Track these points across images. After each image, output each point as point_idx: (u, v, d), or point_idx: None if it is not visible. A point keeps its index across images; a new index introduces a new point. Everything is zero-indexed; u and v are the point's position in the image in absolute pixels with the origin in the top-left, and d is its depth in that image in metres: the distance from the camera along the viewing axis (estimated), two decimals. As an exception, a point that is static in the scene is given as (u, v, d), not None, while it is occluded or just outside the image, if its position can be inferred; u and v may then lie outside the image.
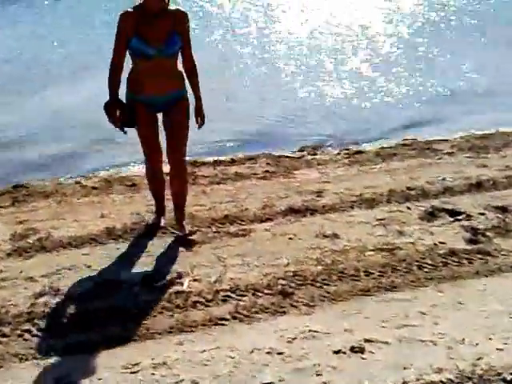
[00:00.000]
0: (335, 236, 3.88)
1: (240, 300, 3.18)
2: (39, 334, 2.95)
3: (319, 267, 3.49)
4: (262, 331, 2.91)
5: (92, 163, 5.95)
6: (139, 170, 5.43)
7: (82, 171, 5.69)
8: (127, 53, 3.55)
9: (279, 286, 3.29)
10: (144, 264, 3.62)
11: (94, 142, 6.34)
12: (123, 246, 3.86)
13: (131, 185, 5.08)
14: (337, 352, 2.71)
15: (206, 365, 2.67)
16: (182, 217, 3.95)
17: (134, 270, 3.54)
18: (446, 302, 3.22)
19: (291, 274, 3.42)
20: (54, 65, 9.19)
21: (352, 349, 2.74)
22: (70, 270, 3.58)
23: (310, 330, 2.86)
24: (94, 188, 5.08)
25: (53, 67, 9.07)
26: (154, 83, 3.54)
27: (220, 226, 4.12)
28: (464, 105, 7.27)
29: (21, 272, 3.56)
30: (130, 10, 3.50)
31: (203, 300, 3.19)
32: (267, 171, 5.27)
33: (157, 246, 3.83)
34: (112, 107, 3.58)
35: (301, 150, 5.98)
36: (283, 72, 8.82)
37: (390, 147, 5.89)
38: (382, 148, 5.87)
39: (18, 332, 2.97)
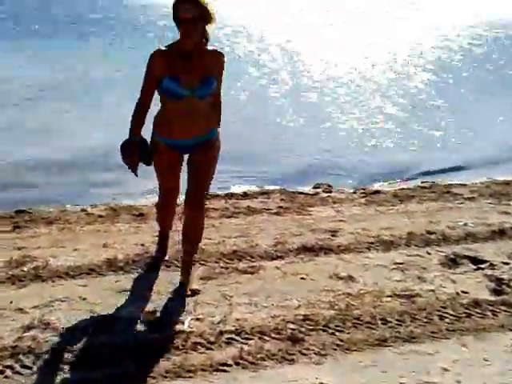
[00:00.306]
0: (350, 278, 3.57)
1: (245, 344, 2.86)
2: (22, 371, 2.64)
3: (332, 312, 3.17)
4: (267, 381, 2.58)
5: (100, 191, 5.77)
6: (148, 199, 5.22)
7: (89, 199, 5.49)
8: (156, 92, 3.23)
9: (288, 331, 2.96)
10: (143, 299, 3.32)
11: (104, 169, 6.17)
12: (123, 279, 3.57)
13: (138, 214, 4.83)
14: (351, 413, 2.37)
15: (203, 418, 2.34)
16: (188, 271, 3.45)
17: (131, 306, 3.23)
18: (469, 358, 2.90)
19: (301, 317, 3.10)
20: (64, 84, 9.20)
21: (368, 410, 2.40)
22: (63, 301, 3.28)
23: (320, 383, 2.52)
24: (99, 216, 4.84)
25: (62, 87, 9.07)
26: (183, 125, 3.21)
27: (228, 261, 3.83)
28: (482, 153, 7.05)
29: (11, 302, 3.26)
30: (162, 48, 3.17)
31: (204, 342, 2.88)
32: (281, 207, 5.01)
33: (159, 280, 3.54)
34: (131, 147, 3.23)
35: (316, 187, 5.74)
36: (306, 107, 8.70)
37: (409, 189, 5.63)
38: (401, 189, 5.61)
39: (0, 368, 2.66)
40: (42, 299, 3.30)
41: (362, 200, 5.25)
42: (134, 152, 3.21)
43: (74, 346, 2.83)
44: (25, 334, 2.92)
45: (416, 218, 4.71)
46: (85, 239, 4.26)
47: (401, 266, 3.76)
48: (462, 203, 5.13)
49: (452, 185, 5.72)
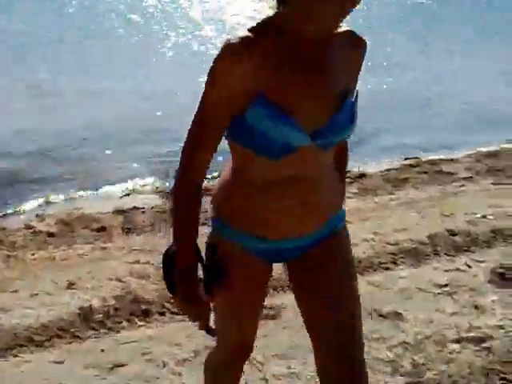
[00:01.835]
0: (396, 316, 2.77)
1: None
2: None
3: (399, 378, 2.36)
4: None
5: (37, 192, 4.60)
6: (105, 203, 4.17)
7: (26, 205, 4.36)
8: (225, 138, 1.39)
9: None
10: (144, 380, 2.36)
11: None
12: (109, 344, 2.58)
13: (99, 229, 3.78)
14: None
15: None
16: None
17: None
18: None
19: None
20: None
21: None
22: (37, 396, 2.28)
23: None
24: (50, 235, 3.74)
25: None
26: (296, 210, 1.38)
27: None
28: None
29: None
30: (249, 35, 1.27)
31: None
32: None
33: (157, 341, 2.58)
34: (185, 262, 1.38)
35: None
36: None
37: (395, 169, 4.87)
38: (387, 170, 4.84)
39: None
40: (5, 394, 2.28)
41: (354, 188, 4.44)
42: (192, 274, 1.39)
43: None
44: None
45: (423, 210, 3.96)
46: (40, 274, 3.21)
47: (445, 289, 2.99)
48: (462, 185, 4.44)
49: (439, 161, 5.01)
